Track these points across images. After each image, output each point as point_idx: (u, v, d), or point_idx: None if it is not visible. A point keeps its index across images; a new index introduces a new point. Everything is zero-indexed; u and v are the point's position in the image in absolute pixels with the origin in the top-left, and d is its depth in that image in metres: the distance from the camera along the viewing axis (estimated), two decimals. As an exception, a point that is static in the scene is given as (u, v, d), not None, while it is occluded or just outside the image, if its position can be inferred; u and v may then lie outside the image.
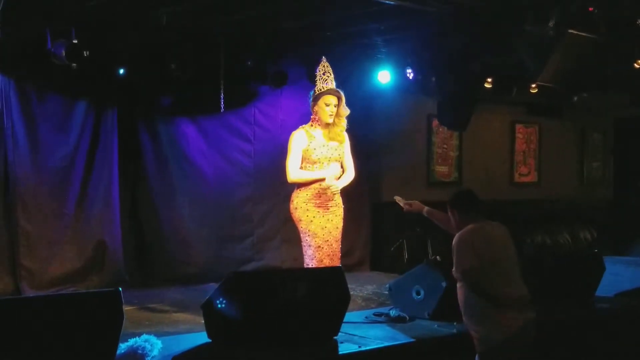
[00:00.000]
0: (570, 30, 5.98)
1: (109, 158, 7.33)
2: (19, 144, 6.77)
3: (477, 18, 6.49)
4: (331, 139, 5.66)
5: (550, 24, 5.95)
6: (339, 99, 5.63)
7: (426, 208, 5.31)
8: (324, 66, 5.69)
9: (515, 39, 6.27)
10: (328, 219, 5.56)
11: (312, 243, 5.50)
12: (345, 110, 5.68)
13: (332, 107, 5.60)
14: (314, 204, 5.53)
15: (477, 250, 4.32)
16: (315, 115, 5.67)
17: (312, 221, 5.51)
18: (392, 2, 6.04)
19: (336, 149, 5.66)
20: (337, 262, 5.57)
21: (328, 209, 5.57)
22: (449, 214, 4.67)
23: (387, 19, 6.75)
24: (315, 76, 5.75)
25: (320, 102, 5.61)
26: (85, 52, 6.33)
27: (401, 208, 5.52)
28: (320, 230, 5.53)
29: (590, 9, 5.96)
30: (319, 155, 5.57)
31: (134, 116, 7.63)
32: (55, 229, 7.02)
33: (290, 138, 5.65)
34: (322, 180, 5.53)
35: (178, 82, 7.20)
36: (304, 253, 5.59)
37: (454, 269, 4.43)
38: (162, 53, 6.92)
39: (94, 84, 7.10)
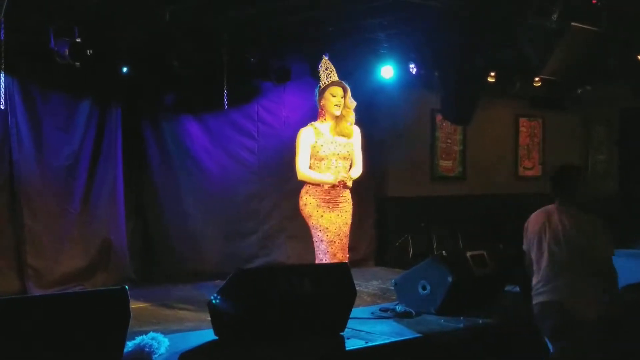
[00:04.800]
0: (573, 23, 5.96)
1: (113, 156, 7.34)
2: (24, 144, 6.78)
3: (479, 11, 6.47)
4: (338, 133, 5.62)
5: (554, 17, 5.93)
6: (345, 90, 5.63)
7: None
8: (325, 62, 5.72)
9: (518, 32, 6.26)
10: (338, 215, 5.56)
11: (324, 238, 5.49)
12: (352, 102, 5.67)
13: (338, 98, 5.58)
14: (323, 201, 5.52)
15: (528, 234, 4.47)
16: (322, 109, 5.66)
17: (322, 216, 5.50)
18: (394, -3, 6.04)
19: (344, 146, 5.61)
20: (346, 257, 5.59)
21: (337, 205, 5.56)
22: None
23: (389, 13, 6.74)
24: (318, 73, 5.75)
25: (327, 94, 5.59)
26: (88, 51, 6.33)
27: None
28: (331, 225, 5.52)
29: (594, 1, 5.95)
30: (327, 152, 5.54)
31: (138, 114, 7.64)
32: (61, 228, 7.04)
33: (298, 135, 5.61)
34: (329, 183, 5.50)
35: (181, 80, 7.21)
36: (316, 249, 5.56)
37: None
38: (165, 51, 6.92)
39: (97, 83, 7.11)
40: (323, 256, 5.49)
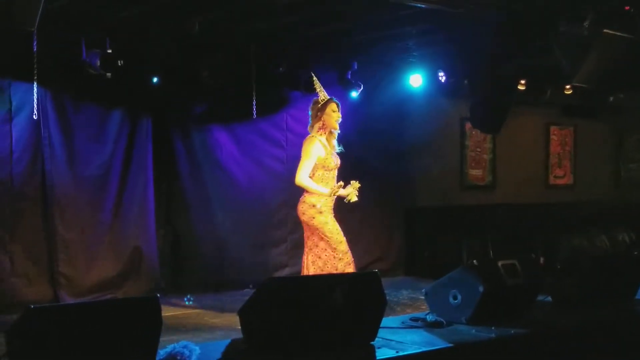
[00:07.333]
0: (605, 30, 5.89)
1: (144, 166, 7.41)
2: (56, 154, 6.87)
3: (510, 19, 6.43)
4: (333, 146, 5.88)
5: (585, 24, 5.88)
6: (338, 106, 5.88)
7: None
8: (315, 79, 5.96)
9: (549, 40, 6.20)
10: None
11: (340, 247, 5.72)
12: None
13: (338, 113, 5.84)
14: (330, 208, 5.77)
15: None
16: (322, 122, 5.85)
17: (335, 222, 5.76)
18: (423, 5, 6.02)
19: (338, 158, 5.89)
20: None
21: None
22: None
23: (419, 22, 6.73)
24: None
25: (328, 109, 5.83)
26: (119, 62, 6.41)
27: None
28: (341, 234, 5.77)
29: (627, 7, 5.88)
30: (333, 163, 5.80)
31: (168, 124, 7.71)
32: (93, 237, 7.11)
33: (309, 145, 5.80)
34: (326, 195, 5.71)
35: (211, 90, 7.26)
36: (327, 254, 5.73)
37: None
38: (194, 61, 6.97)
39: (128, 93, 7.19)
40: (338, 262, 5.68)
